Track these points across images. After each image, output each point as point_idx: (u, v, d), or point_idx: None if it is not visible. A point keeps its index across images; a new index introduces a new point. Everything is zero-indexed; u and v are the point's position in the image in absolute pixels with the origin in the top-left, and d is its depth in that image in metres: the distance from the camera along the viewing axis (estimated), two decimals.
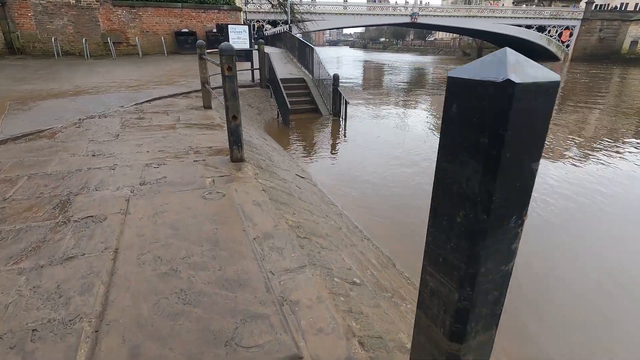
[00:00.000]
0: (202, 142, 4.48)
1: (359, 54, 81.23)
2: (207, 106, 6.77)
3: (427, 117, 11.85)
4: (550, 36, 49.34)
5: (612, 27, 47.83)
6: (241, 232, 2.42)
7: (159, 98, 7.43)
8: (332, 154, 7.50)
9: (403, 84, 23.59)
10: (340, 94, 9.43)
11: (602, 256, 3.85)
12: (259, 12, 33.83)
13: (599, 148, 8.30)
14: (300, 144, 7.96)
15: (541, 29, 48.84)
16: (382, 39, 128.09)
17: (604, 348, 2.76)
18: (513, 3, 59.91)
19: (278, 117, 9.40)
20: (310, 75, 11.24)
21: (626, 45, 44.96)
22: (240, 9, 16.80)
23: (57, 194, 2.88)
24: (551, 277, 3.47)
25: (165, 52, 15.07)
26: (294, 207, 3.15)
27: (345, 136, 8.78)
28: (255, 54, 10.09)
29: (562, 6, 52.44)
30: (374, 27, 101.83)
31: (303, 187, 4.25)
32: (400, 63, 44.90)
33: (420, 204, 5.07)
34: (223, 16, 16.05)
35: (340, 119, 9.70)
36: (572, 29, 49.19)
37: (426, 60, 55.11)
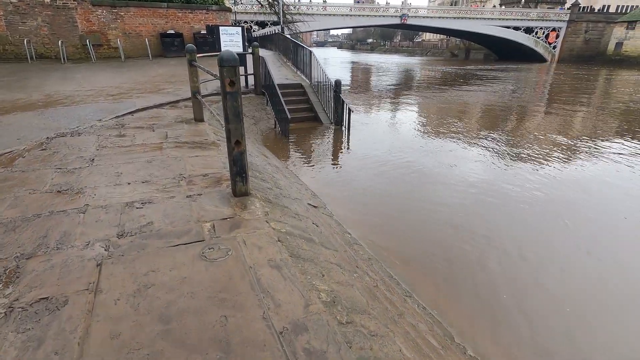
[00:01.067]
0: (195, 168, 3.75)
1: (347, 55, 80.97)
2: (199, 119, 6.01)
3: (432, 121, 11.29)
4: (538, 37, 49.85)
5: (597, 29, 48.63)
6: (261, 322, 1.72)
7: (144, 109, 6.63)
8: (339, 170, 6.82)
9: (397, 86, 23.10)
10: (343, 102, 8.76)
11: None
12: (246, 13, 32.95)
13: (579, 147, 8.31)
14: (304, 159, 7.25)
15: (529, 30, 49.29)
16: (370, 40, 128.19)
17: None
18: (500, 5, 60.46)
19: (275, 127, 8.68)
20: (307, 81, 10.54)
21: (611, 46, 45.69)
22: (229, 10, 15.99)
23: (0, 259, 2.12)
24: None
25: (150, 55, 14.16)
26: (320, 262, 2.46)
27: (349, 149, 8.11)
28: (249, 57, 9.34)
29: (548, 8, 53.10)
30: (362, 29, 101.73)
31: (320, 222, 3.55)
32: (389, 64, 44.60)
33: (450, 221, 4.44)
34: (212, 17, 15.23)
35: (343, 129, 9.03)
36: (558, 31, 49.83)
37: (415, 61, 55.04)
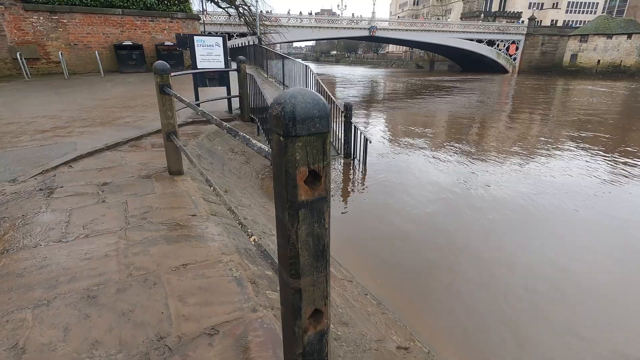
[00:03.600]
0: (188, 307, 1.80)
1: (312, 67, 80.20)
2: (175, 170, 4.01)
3: (443, 140, 9.88)
4: (499, 50, 51.61)
5: (552, 42, 51.22)
6: None
7: (90, 154, 4.50)
8: (367, 231, 5.02)
9: (379, 98, 21.92)
10: (356, 129, 7.02)
11: None
12: (212, 24, 30.74)
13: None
14: None
15: (491, 42, 50.91)
16: (334, 52, 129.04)
17: None
18: (461, 18, 62.53)
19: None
20: None
21: (566, 58, 48.14)
22: (198, 18, 13.90)
23: None
24: None
25: (102, 71, 11.71)
26: None
27: (368, 189, 6.35)
28: (232, 75, 7.40)
29: (506, 22, 55.44)
30: (325, 41, 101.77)
31: None
32: (357, 76, 44.01)
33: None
34: (177, 26, 13.06)
35: (356, 162, 7.27)
36: (517, 43, 51.92)
37: (382, 73, 55.09)
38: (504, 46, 51.83)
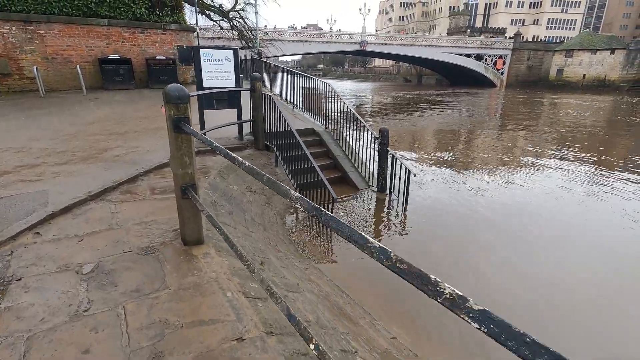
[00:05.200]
0: None
1: (299, 81, 79.81)
2: (193, 240, 2.78)
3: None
4: (487, 64, 52.26)
5: (538, 57, 52.23)
6: None
7: (67, 209, 3.22)
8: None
9: (383, 110, 21.08)
10: (394, 159, 5.90)
11: None
12: (202, 38, 29.64)
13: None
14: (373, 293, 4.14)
15: (479, 57, 51.52)
16: (321, 66, 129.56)
17: None
18: (447, 33, 63.45)
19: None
20: (320, 124, 7.63)
21: (553, 72, 49.01)
22: (193, 30, 12.72)
23: None
24: None
25: (84, 88, 10.36)
26: None
27: (414, 235, 5.21)
28: (243, 95, 6.22)
29: (490, 37, 56.44)
30: (312, 55, 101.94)
31: None
32: (347, 90, 43.48)
33: None
34: (170, 38, 11.86)
35: (393, 198, 6.12)
36: (504, 58, 52.74)
37: (371, 86, 54.99)
38: (492, 61, 52.55)
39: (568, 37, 66.95)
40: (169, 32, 11.74)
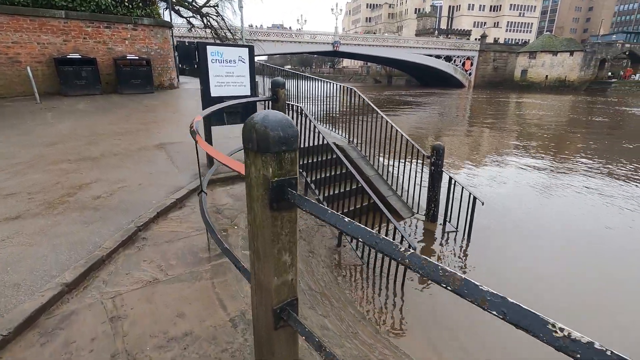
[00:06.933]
0: None
1: (266, 82, 78.13)
2: None
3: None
4: (456, 65, 53.38)
5: (502, 58, 54.11)
6: None
7: (23, 326, 1.80)
8: None
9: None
10: (452, 181, 4.82)
11: None
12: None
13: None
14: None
15: (448, 58, 52.50)
16: (288, 67, 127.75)
17: None
18: (416, 35, 64.32)
19: (340, 243, 4.31)
20: (342, 139, 6.43)
21: (517, 73, 50.88)
22: (170, 26, 10.96)
23: None
24: None
25: (37, 95, 8.40)
26: None
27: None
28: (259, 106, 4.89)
29: (457, 39, 57.83)
30: (279, 55, 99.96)
31: None
32: (321, 91, 42.44)
33: None
34: (143, 35, 10.09)
35: (450, 230, 5.04)
36: (472, 59, 54.13)
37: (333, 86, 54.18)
38: (460, 62, 53.76)
39: (526, 40, 70.42)
40: (141, 27, 9.98)
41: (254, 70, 4.69)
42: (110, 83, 9.80)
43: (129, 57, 9.77)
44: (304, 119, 4.60)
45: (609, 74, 46.68)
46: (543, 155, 10.79)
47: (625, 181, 8.08)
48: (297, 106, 4.66)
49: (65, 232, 2.73)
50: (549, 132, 15.64)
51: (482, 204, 4.48)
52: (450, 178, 4.81)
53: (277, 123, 1.15)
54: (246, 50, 4.52)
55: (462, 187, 4.68)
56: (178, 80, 12.22)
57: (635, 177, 8.47)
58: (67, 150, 4.88)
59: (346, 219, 1.01)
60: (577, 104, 30.06)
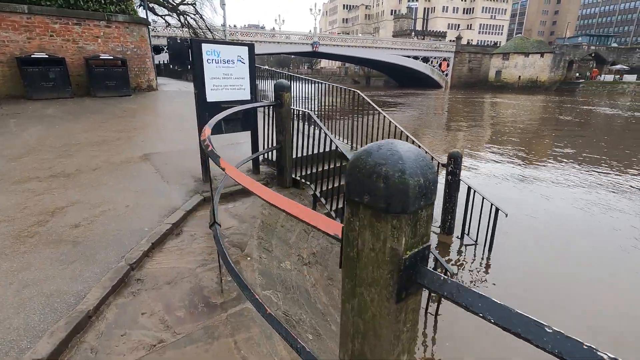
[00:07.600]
0: None
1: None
2: None
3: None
4: (433, 66, 54.25)
5: (477, 59, 55.47)
6: None
7: None
8: None
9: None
10: (472, 191, 4.49)
11: None
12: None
13: None
14: None
15: (426, 59, 53.25)
16: (265, 67, 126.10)
17: None
18: (393, 36, 64.93)
19: None
20: (344, 145, 6.02)
21: (492, 74, 52.26)
22: (147, 23, 10.15)
23: None
24: None
25: None
26: None
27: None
28: (261, 113, 4.39)
29: (432, 40, 58.82)
30: (257, 56, 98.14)
31: None
32: (296, 91, 42.07)
33: None
34: (117, 32, 9.27)
35: (468, 243, 4.71)
36: (448, 60, 55.16)
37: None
38: (437, 63, 54.66)
39: (498, 41, 72.69)
40: (115, 24, 9.16)
41: (255, 71, 4.20)
42: (81, 85, 8.94)
43: (103, 56, 8.95)
44: (313, 126, 4.14)
45: (577, 74, 48.71)
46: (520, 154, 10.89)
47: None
48: (307, 112, 4.19)
49: (36, 279, 2.15)
50: (524, 133, 16.18)
51: (506, 215, 4.17)
52: (469, 188, 4.49)
53: (414, 163, 0.70)
54: (246, 49, 4.03)
55: (483, 198, 4.36)
56: (157, 82, 11.43)
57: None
58: (36, 165, 4.20)
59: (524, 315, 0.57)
60: (549, 104, 31.02)
